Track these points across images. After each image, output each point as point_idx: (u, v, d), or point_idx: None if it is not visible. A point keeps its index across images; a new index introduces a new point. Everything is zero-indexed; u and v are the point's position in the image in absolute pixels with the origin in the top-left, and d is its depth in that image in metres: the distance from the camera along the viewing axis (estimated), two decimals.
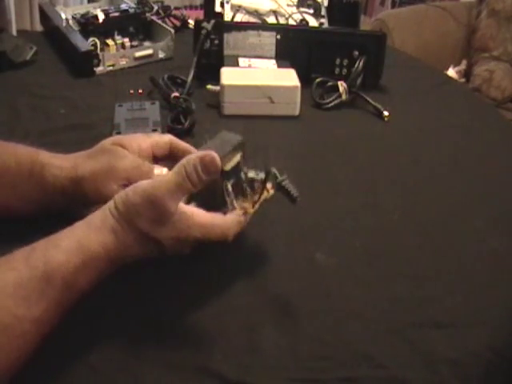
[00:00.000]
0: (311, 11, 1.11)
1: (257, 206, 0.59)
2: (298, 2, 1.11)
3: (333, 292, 0.59)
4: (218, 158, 0.53)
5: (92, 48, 1.01)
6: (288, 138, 0.89)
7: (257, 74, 0.96)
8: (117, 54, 1.04)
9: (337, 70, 1.01)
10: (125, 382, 0.49)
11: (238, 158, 0.58)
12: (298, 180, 0.77)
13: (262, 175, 0.59)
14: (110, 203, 0.53)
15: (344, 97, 0.95)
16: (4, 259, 0.48)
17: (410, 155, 0.84)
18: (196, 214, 0.54)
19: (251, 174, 0.59)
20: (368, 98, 0.95)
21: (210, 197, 0.57)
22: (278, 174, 0.58)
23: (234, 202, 0.58)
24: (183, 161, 0.53)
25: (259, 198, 0.59)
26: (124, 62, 1.05)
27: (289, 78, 0.93)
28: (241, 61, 0.99)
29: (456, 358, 0.52)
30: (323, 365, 0.51)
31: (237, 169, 0.58)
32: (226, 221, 0.56)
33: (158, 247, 0.54)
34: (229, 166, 0.57)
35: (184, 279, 0.59)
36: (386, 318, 0.56)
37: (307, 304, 0.57)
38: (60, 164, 0.61)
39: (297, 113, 0.92)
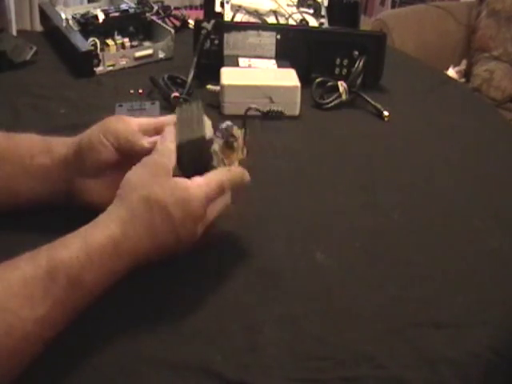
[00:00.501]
0: (311, 11, 1.11)
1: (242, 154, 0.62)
2: (298, 2, 1.11)
3: (333, 292, 0.59)
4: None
5: (92, 48, 1.01)
6: (288, 137, 0.89)
7: (257, 74, 0.96)
8: (117, 54, 1.04)
9: (337, 70, 1.01)
10: (125, 381, 0.49)
11: (208, 122, 0.61)
12: (297, 180, 0.77)
13: (235, 131, 0.62)
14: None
15: (344, 97, 0.95)
16: (11, 260, 0.48)
17: (409, 155, 0.84)
18: (189, 182, 0.55)
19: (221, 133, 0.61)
20: (368, 98, 0.95)
21: (198, 165, 0.58)
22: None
23: (222, 162, 0.59)
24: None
25: (242, 150, 0.62)
26: (124, 62, 1.05)
27: (289, 78, 0.93)
28: (241, 61, 0.99)
29: (456, 358, 0.52)
30: (323, 365, 0.51)
31: (211, 132, 0.61)
32: (215, 173, 0.57)
33: (168, 225, 0.53)
34: (209, 133, 0.59)
35: (184, 279, 0.59)
36: (386, 318, 0.56)
37: (307, 304, 0.57)
38: (64, 141, 0.64)
39: (297, 113, 0.92)
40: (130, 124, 0.62)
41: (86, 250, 0.49)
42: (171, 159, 0.56)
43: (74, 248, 0.49)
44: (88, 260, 0.49)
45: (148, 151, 0.59)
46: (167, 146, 0.57)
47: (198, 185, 0.55)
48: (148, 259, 0.53)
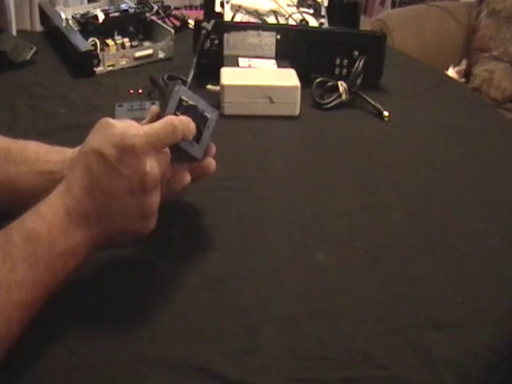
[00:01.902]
0: (311, 11, 1.11)
1: None
2: (298, 1, 1.11)
3: (333, 292, 0.59)
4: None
5: (92, 48, 1.01)
6: (288, 138, 0.89)
7: (257, 74, 0.96)
8: (117, 53, 1.04)
9: (337, 70, 1.01)
10: (125, 381, 0.49)
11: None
12: (297, 180, 0.77)
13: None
14: None
15: (344, 97, 0.95)
16: None
17: (409, 155, 0.84)
18: (135, 126, 0.54)
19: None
20: (368, 98, 0.95)
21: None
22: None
23: None
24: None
25: None
26: (124, 62, 1.05)
27: (289, 78, 0.93)
28: (241, 61, 0.99)
29: (456, 358, 0.52)
30: (323, 365, 0.51)
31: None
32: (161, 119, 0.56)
33: (111, 174, 0.51)
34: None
35: (184, 279, 0.59)
36: (386, 318, 0.56)
37: (307, 304, 0.57)
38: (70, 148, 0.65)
39: (297, 113, 0.92)
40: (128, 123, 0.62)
41: (36, 210, 0.50)
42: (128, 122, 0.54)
43: (26, 214, 0.50)
44: (38, 214, 0.50)
45: None
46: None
47: (137, 127, 0.53)
48: (99, 213, 0.51)
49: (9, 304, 0.46)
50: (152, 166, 0.52)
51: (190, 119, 0.58)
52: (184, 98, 0.59)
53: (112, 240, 0.54)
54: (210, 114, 0.61)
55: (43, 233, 0.49)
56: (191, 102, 0.59)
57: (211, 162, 0.62)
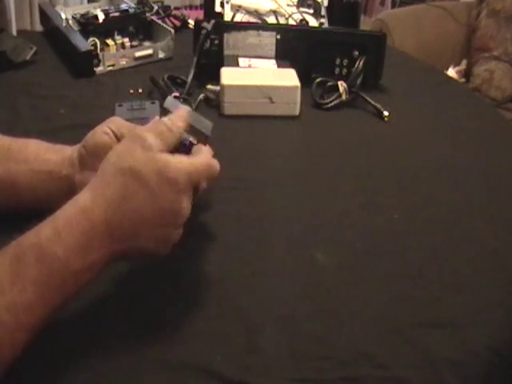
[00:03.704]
0: (311, 11, 1.11)
1: None
2: (298, 1, 1.11)
3: (333, 292, 0.59)
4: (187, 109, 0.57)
5: (92, 48, 1.01)
6: (288, 138, 0.89)
7: (257, 74, 0.96)
8: (117, 53, 1.04)
9: (337, 70, 1.01)
10: (124, 381, 0.49)
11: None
12: (297, 180, 0.77)
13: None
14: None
15: (344, 97, 0.95)
16: None
17: (409, 155, 0.84)
18: (171, 156, 0.52)
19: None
20: (368, 98, 0.95)
21: None
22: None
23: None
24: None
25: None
26: (124, 62, 1.05)
27: (289, 78, 0.93)
28: (241, 61, 0.99)
29: (456, 358, 0.52)
30: (323, 365, 0.51)
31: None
32: (202, 153, 0.55)
33: (144, 192, 0.49)
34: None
35: (184, 279, 0.59)
36: (386, 318, 0.56)
37: (307, 304, 0.57)
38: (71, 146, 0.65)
39: (297, 113, 0.92)
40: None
41: (53, 224, 0.47)
42: (162, 135, 0.53)
43: (41, 227, 0.47)
44: (55, 233, 0.47)
45: None
46: (164, 123, 0.54)
47: (180, 160, 0.52)
48: (124, 235, 0.49)
49: (15, 327, 0.45)
50: (187, 204, 0.51)
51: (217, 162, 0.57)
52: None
53: (127, 256, 0.52)
54: (197, 137, 0.59)
55: (59, 253, 0.46)
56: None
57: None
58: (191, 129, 0.58)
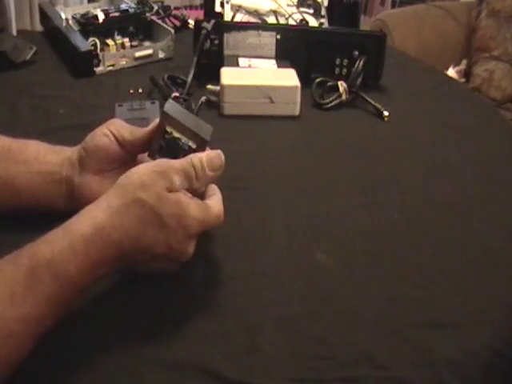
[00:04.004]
0: (311, 11, 1.11)
1: None
2: (298, 1, 1.11)
3: (333, 292, 0.59)
4: (222, 154, 0.57)
5: (92, 48, 1.01)
6: (288, 138, 0.89)
7: (257, 74, 0.96)
8: (117, 53, 1.04)
9: (337, 70, 1.01)
10: (125, 381, 0.49)
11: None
12: (297, 180, 0.77)
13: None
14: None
15: (344, 97, 0.95)
16: None
17: (409, 155, 0.84)
18: (191, 202, 0.54)
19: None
20: (368, 98, 0.95)
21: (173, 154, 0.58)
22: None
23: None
24: (191, 156, 0.56)
25: None
26: (124, 62, 1.05)
27: (289, 78, 0.93)
28: (241, 61, 0.99)
29: (456, 358, 0.52)
30: (323, 365, 0.51)
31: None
32: (215, 201, 0.57)
33: (159, 232, 0.52)
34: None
35: (184, 279, 0.59)
36: (386, 318, 0.56)
37: (307, 304, 0.57)
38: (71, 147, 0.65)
39: (297, 113, 0.92)
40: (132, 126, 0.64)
41: (69, 241, 0.48)
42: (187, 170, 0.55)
43: (56, 241, 0.48)
44: (71, 251, 0.48)
45: (148, 137, 0.60)
46: (195, 169, 0.55)
47: (198, 207, 0.54)
48: (134, 260, 0.53)
49: (25, 338, 0.46)
50: (192, 248, 0.55)
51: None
52: (168, 129, 0.58)
53: (134, 268, 0.55)
54: (196, 142, 0.59)
55: (73, 272, 0.48)
56: (175, 134, 0.58)
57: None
58: (191, 133, 0.58)
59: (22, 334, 0.46)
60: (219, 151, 0.58)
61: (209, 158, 0.56)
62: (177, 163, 0.54)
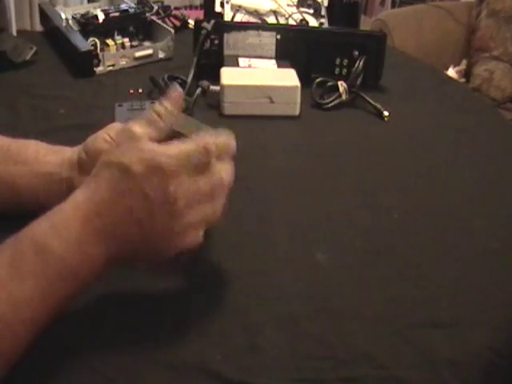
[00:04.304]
0: (311, 11, 1.11)
1: None
2: (298, 1, 1.11)
3: (333, 292, 0.59)
4: (179, 89, 0.55)
5: (92, 48, 1.01)
6: (288, 138, 0.89)
7: (257, 74, 0.96)
8: (117, 53, 1.04)
9: (337, 70, 1.01)
10: (125, 382, 0.49)
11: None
12: (297, 180, 0.77)
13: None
14: None
15: (344, 97, 0.95)
16: None
17: (409, 155, 0.84)
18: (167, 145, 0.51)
19: None
20: (368, 98, 0.95)
21: None
22: None
23: None
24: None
25: None
26: (124, 62, 1.05)
27: (289, 78, 0.93)
28: (241, 61, 0.99)
29: (456, 358, 0.52)
30: (323, 365, 0.51)
31: None
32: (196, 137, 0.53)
33: (134, 189, 0.48)
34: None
35: (184, 279, 0.59)
36: (386, 318, 0.56)
37: (307, 304, 0.57)
38: (71, 148, 0.64)
39: (297, 113, 0.92)
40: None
41: (48, 220, 0.48)
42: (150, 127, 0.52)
43: (38, 223, 0.47)
44: (51, 227, 0.47)
45: None
46: (155, 110, 0.53)
47: (169, 146, 0.50)
48: (118, 229, 0.49)
49: (15, 321, 0.44)
50: (181, 188, 0.49)
51: (230, 140, 0.55)
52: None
53: (136, 258, 0.51)
54: None
55: (55, 247, 0.46)
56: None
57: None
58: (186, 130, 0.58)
59: (12, 317, 0.44)
60: (178, 90, 0.55)
61: (170, 98, 0.54)
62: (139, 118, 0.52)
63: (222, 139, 0.54)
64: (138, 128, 0.51)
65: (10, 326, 0.44)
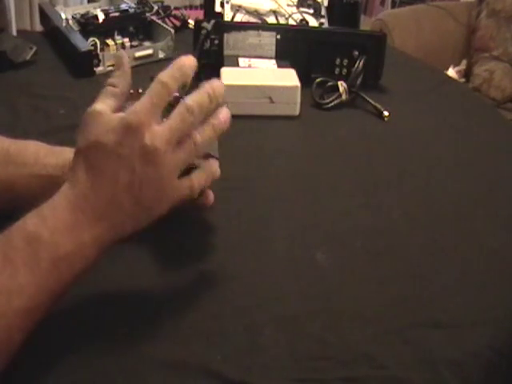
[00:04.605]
0: (311, 11, 1.11)
1: None
2: (298, 1, 1.11)
3: (333, 292, 0.59)
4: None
5: (92, 48, 1.01)
6: (288, 138, 0.89)
7: (257, 74, 0.96)
8: (117, 54, 1.04)
9: (337, 70, 1.01)
10: (124, 381, 0.49)
11: None
12: (297, 180, 0.77)
13: None
14: None
15: (344, 97, 0.95)
16: None
17: (409, 155, 0.84)
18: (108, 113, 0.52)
19: None
20: (368, 98, 0.95)
21: None
22: None
23: None
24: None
25: None
26: None
27: (289, 78, 0.93)
28: (241, 61, 0.99)
29: (456, 358, 0.52)
30: (323, 365, 0.51)
31: None
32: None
33: (110, 158, 0.49)
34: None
35: (184, 279, 0.59)
36: (386, 318, 0.56)
37: (307, 304, 0.57)
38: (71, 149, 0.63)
39: (297, 113, 0.92)
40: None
41: (37, 211, 0.48)
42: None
43: (27, 216, 0.48)
44: (40, 218, 0.47)
45: None
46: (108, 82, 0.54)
47: (134, 104, 0.51)
48: (106, 205, 0.49)
49: (9, 311, 0.44)
50: (151, 136, 0.49)
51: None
52: None
53: (124, 231, 0.50)
54: (205, 159, 0.57)
55: (45, 235, 0.47)
56: None
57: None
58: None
59: (5, 306, 0.44)
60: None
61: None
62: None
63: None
64: (97, 105, 0.52)
65: (3, 316, 0.44)
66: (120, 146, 0.49)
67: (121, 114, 0.50)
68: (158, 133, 0.50)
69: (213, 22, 0.98)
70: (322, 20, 1.10)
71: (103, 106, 0.52)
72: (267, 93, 0.90)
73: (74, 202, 0.49)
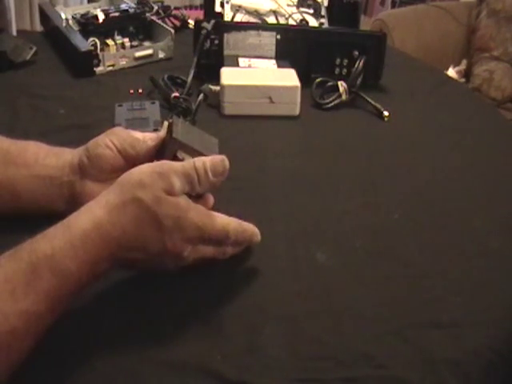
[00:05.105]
0: (311, 11, 1.11)
1: None
2: (298, 1, 1.11)
3: (333, 292, 0.59)
4: (227, 161, 0.57)
5: (92, 48, 1.01)
6: (288, 137, 0.89)
7: (257, 74, 0.96)
8: (117, 53, 1.04)
9: (337, 70, 1.01)
10: (125, 381, 0.49)
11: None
12: (297, 180, 0.77)
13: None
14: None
15: (344, 97, 0.95)
16: None
17: (409, 155, 0.84)
18: (191, 205, 0.54)
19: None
20: (368, 98, 0.95)
21: None
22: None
23: None
24: (195, 159, 0.56)
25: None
26: (124, 62, 1.05)
27: (289, 78, 0.93)
28: (241, 61, 0.99)
29: (456, 358, 0.52)
30: (323, 365, 0.51)
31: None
32: (225, 216, 0.57)
33: (155, 231, 0.52)
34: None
35: (184, 279, 0.59)
36: (386, 318, 0.56)
37: (307, 304, 0.57)
38: (71, 150, 0.65)
39: (297, 113, 0.92)
40: (134, 132, 0.63)
41: (68, 237, 0.48)
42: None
43: (56, 237, 0.48)
44: (71, 247, 0.48)
45: (151, 151, 0.61)
46: (197, 172, 0.55)
47: (199, 212, 0.54)
48: (130, 257, 0.52)
49: (25, 335, 0.46)
50: (188, 253, 0.54)
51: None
52: (179, 154, 0.58)
53: (132, 267, 0.56)
54: (208, 149, 0.59)
55: (73, 268, 0.48)
56: (186, 158, 0.58)
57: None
58: (200, 155, 0.58)
59: (22, 330, 0.45)
60: (223, 157, 0.57)
61: (212, 163, 0.56)
62: (179, 166, 0.54)
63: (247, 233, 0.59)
64: (177, 183, 0.53)
65: (19, 339, 0.46)
66: (168, 236, 0.52)
67: (191, 216, 0.53)
68: (197, 252, 0.55)
69: (213, 22, 0.98)
70: (322, 20, 1.11)
71: (180, 188, 0.54)
72: (267, 93, 0.90)
73: (106, 240, 0.50)
